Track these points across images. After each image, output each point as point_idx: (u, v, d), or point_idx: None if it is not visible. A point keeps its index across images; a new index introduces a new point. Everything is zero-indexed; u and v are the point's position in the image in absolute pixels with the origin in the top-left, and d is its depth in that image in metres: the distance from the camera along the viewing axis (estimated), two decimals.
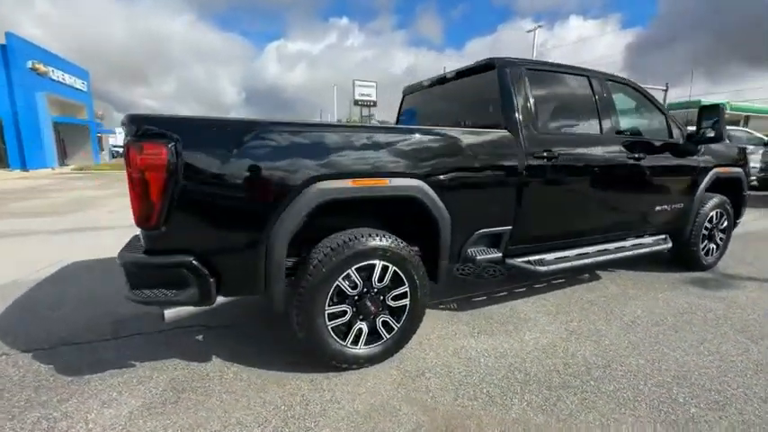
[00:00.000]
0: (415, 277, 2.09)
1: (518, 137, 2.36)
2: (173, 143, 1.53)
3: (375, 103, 34.93)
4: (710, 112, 2.96)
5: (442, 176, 2.10)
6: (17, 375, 2.00)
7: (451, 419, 1.70)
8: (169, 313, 1.72)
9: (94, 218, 6.53)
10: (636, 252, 3.06)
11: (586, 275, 3.59)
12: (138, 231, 1.82)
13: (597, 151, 2.70)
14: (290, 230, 1.74)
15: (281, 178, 1.71)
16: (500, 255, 2.40)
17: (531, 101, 2.47)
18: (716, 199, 3.52)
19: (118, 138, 39.43)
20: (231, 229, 1.69)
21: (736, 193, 3.70)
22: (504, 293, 3.18)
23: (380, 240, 1.96)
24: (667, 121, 3.19)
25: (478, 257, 2.32)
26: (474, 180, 2.24)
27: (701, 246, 3.57)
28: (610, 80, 2.95)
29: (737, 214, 3.83)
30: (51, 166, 20.90)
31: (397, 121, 3.73)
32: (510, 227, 2.41)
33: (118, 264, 1.68)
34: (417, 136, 2.06)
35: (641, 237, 3.28)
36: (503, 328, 2.56)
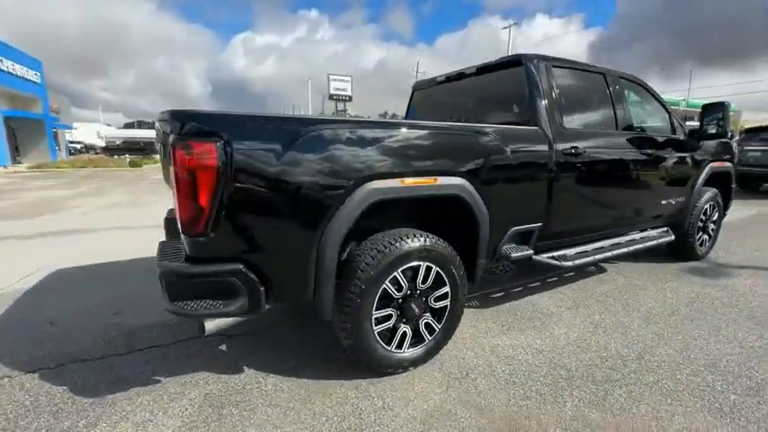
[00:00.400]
0: (456, 277, 2.05)
1: (547, 133, 2.37)
2: (222, 142, 1.41)
3: (350, 98, 34.64)
4: (714, 110, 3.10)
5: (482, 174, 2.07)
6: (28, 400, 1.80)
7: (511, 421, 1.68)
8: (210, 325, 1.60)
9: (68, 220, 6.07)
10: (645, 245, 3.16)
11: (593, 268, 3.69)
12: (154, 237, 1.68)
13: (615, 147, 2.76)
14: (342, 233, 1.65)
15: (333, 178, 1.61)
16: (532, 252, 2.40)
17: (557, 97, 2.48)
18: (710, 192, 3.70)
19: (76, 134, 36.85)
20: (283, 232, 1.58)
21: (725, 187, 3.91)
22: (520, 288, 3.21)
23: (425, 241, 1.90)
24: (671, 118, 3.31)
25: (513, 255, 2.31)
26: (510, 177, 2.22)
27: (697, 237, 3.75)
28: (621, 77, 3.01)
29: (725, 206, 4.05)
30: (3, 165, 19.28)
31: (406, 117, 3.66)
32: (541, 223, 2.42)
33: (157, 273, 1.53)
34: (459, 133, 2.02)
35: (645, 230, 3.40)
36: (530, 324, 2.58)
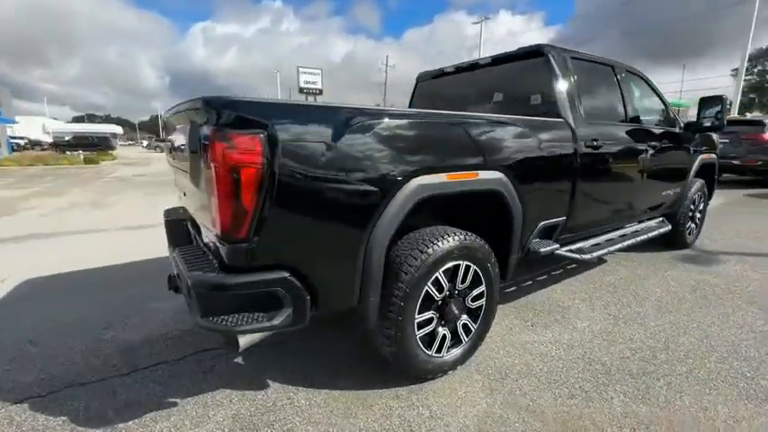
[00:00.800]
0: (492, 275, 1.97)
1: (572, 125, 2.33)
2: (267, 133, 1.23)
3: (321, 91, 33.86)
4: (712, 103, 3.21)
5: (517, 167, 1.99)
6: None
7: (565, 423, 1.63)
8: (244, 339, 1.42)
9: (26, 224, 5.47)
10: (648, 235, 3.24)
11: (595, 259, 3.75)
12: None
13: (626, 139, 2.78)
14: (390, 232, 1.52)
15: (383, 173, 1.48)
16: (557, 245, 2.37)
17: (576, 89, 2.45)
18: (698, 183, 3.86)
19: (18, 128, 33.62)
20: (331, 234, 1.43)
21: (710, 177, 4.10)
22: (530, 282, 3.20)
23: (465, 239, 1.81)
24: (668, 111, 3.40)
25: (541, 250, 2.27)
26: (542, 170, 2.17)
27: (687, 226, 3.91)
28: (628, 70, 3.04)
29: (709, 196, 4.25)
30: None
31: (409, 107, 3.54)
32: (565, 217, 2.39)
33: (189, 285, 1.33)
34: (497, 124, 1.93)
35: (643, 221, 3.49)
36: (552, 318, 2.56)
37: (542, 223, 2.27)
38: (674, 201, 3.57)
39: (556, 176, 2.27)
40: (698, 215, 4.09)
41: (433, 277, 1.73)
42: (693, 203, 3.90)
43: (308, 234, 1.39)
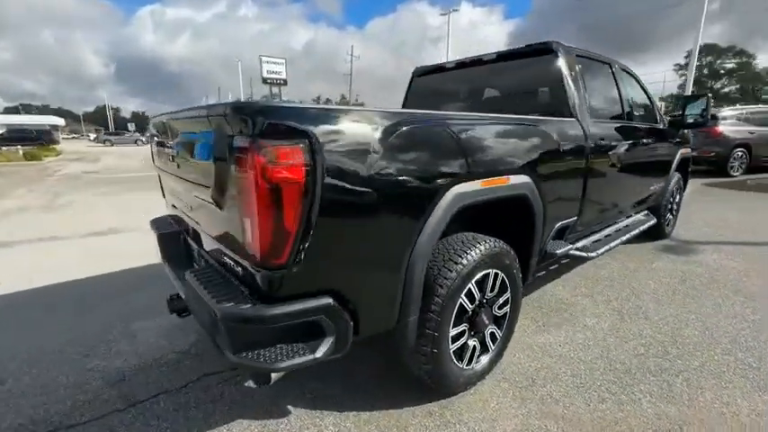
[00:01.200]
0: (517, 281, 1.93)
1: (583, 125, 2.32)
2: (310, 143, 1.08)
3: (285, 82, 32.73)
4: (697, 101, 3.34)
5: (541, 169, 1.94)
6: None
7: (604, 430, 1.62)
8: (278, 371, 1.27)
9: None
10: (639, 229, 3.35)
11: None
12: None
13: (626, 136, 2.82)
14: (431, 245, 1.42)
15: (426, 182, 1.37)
16: (571, 245, 2.37)
17: (584, 88, 2.44)
18: (677, 176, 4.05)
19: None
20: (376, 251, 1.30)
21: (685, 171, 4.31)
22: (530, 280, 3.21)
23: (495, 246, 1.74)
24: (654, 107, 3.50)
25: (557, 251, 2.25)
26: (561, 171, 2.14)
27: (667, 218, 4.10)
28: (621, 68, 3.09)
29: (683, 188, 4.48)
30: None
31: (404, 104, 3.42)
32: (576, 217, 2.39)
33: (218, 318, 1.15)
34: (524, 126, 1.86)
35: (633, 215, 3.61)
36: (560, 317, 2.58)
37: (558, 224, 2.25)
38: (659, 194, 3.72)
39: (572, 177, 2.25)
40: (675, 207, 4.30)
41: (467, 288, 1.65)
42: (672, 195, 4.09)
43: (353, 253, 1.26)
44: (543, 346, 2.23)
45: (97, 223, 5.25)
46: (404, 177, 1.30)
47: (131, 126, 65.38)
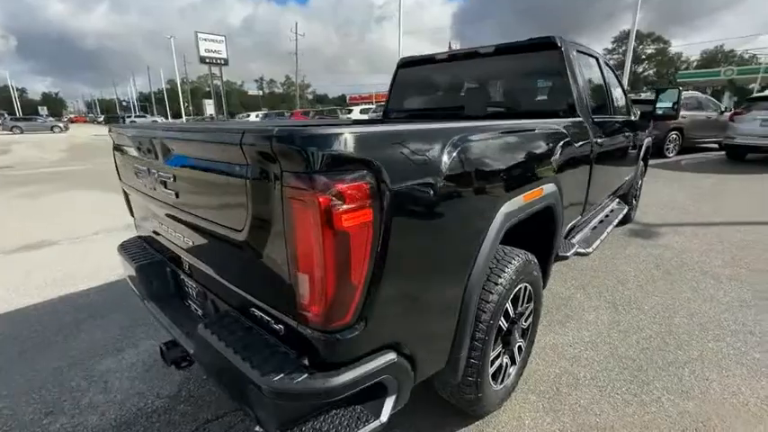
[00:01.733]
0: (540, 291, 1.87)
1: (586, 123, 2.28)
2: (376, 178, 0.87)
3: (226, 62, 30.44)
4: (668, 94, 3.48)
5: (561, 175, 1.87)
6: None
7: None
8: None
9: None
10: (617, 218, 3.48)
11: None
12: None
13: (614, 132, 2.87)
14: (485, 272, 1.28)
15: (483, 203, 1.22)
16: (576, 245, 2.37)
17: (585, 85, 2.40)
18: (641, 164, 4.28)
19: None
20: (438, 290, 1.14)
21: (646, 158, 4.57)
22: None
23: (526, 259, 1.65)
24: (627, 99, 3.62)
25: (568, 253, 2.23)
26: (575, 174, 2.09)
27: (633, 204, 4.34)
28: (605, 62, 3.11)
29: (643, 174, 4.77)
30: None
31: (389, 98, 3.21)
32: (580, 216, 2.39)
33: (263, 393, 0.92)
34: (551, 132, 1.76)
35: (608, 205, 3.76)
36: (562, 314, 2.61)
37: (569, 226, 2.23)
38: (629, 183, 3.90)
39: (581, 177, 2.23)
40: (638, 192, 4.57)
41: (504, 308, 1.56)
42: (637, 182, 4.33)
43: (417, 298, 1.08)
44: (555, 348, 2.24)
45: (26, 234, 4.48)
46: (465, 203, 1.15)
47: (43, 110, 57.77)
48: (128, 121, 46.63)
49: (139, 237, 1.96)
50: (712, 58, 54.92)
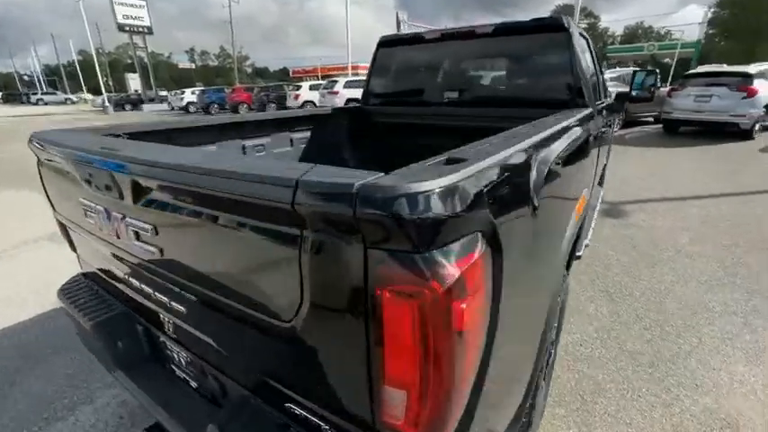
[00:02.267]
0: (565, 300, 1.75)
1: (594, 113, 2.15)
2: (489, 243, 0.61)
3: (150, 30, 27.14)
4: (645, 76, 3.48)
5: (587, 174, 1.72)
6: None
7: None
8: None
9: None
10: (599, 201, 3.52)
11: None
12: None
13: (606, 117, 2.79)
14: (556, 309, 1.09)
15: (556, 226, 1.00)
16: (585, 240, 2.29)
17: (589, 70, 2.26)
18: (611, 146, 4.37)
19: None
20: (524, 365, 0.92)
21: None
22: None
23: (563, 274, 1.50)
24: (604, 81, 3.59)
25: (580, 252, 2.14)
26: (590, 171, 1.95)
27: (604, 185, 4.45)
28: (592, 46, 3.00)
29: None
30: None
31: (369, 81, 2.87)
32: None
33: None
34: (588, 130, 1.57)
35: None
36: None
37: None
38: (603, 166, 3.95)
39: (592, 171, 2.11)
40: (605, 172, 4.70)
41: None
42: (606, 163, 4.43)
43: (512, 378, 0.86)
44: (566, 349, 2.18)
45: None
46: (546, 234, 0.92)
47: None
48: (33, 98, 40.32)
49: (84, 275, 1.53)
50: (633, 34, 59.13)
